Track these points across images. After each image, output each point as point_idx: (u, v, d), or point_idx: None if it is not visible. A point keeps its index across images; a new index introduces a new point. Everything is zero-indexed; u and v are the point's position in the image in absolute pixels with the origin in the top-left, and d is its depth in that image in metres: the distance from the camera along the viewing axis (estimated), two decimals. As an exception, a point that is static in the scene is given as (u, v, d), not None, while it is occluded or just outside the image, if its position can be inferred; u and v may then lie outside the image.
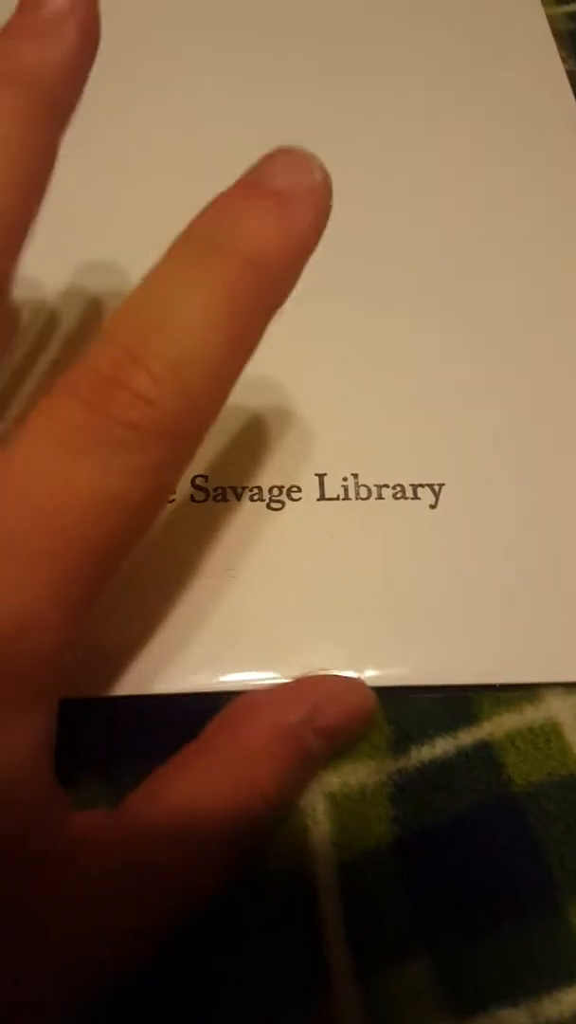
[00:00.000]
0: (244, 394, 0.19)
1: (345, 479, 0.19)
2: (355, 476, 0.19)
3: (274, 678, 0.17)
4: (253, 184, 0.13)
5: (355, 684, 0.16)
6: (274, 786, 0.14)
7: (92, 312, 0.21)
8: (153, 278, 0.12)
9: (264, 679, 0.17)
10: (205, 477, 0.19)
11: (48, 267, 0.21)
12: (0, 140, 0.13)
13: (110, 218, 0.22)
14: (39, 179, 0.13)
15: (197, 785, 0.14)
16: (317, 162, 0.13)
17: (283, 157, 0.13)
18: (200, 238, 0.12)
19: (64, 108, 0.14)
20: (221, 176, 0.15)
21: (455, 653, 0.17)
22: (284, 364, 0.19)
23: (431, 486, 0.19)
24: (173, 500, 0.18)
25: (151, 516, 0.13)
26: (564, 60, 0.26)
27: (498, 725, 0.17)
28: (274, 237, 0.12)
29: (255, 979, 0.15)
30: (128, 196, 0.23)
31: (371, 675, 0.17)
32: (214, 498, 0.18)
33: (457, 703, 0.17)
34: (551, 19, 0.27)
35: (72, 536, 0.11)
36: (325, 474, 0.19)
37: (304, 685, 0.16)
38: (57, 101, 0.13)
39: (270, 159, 0.13)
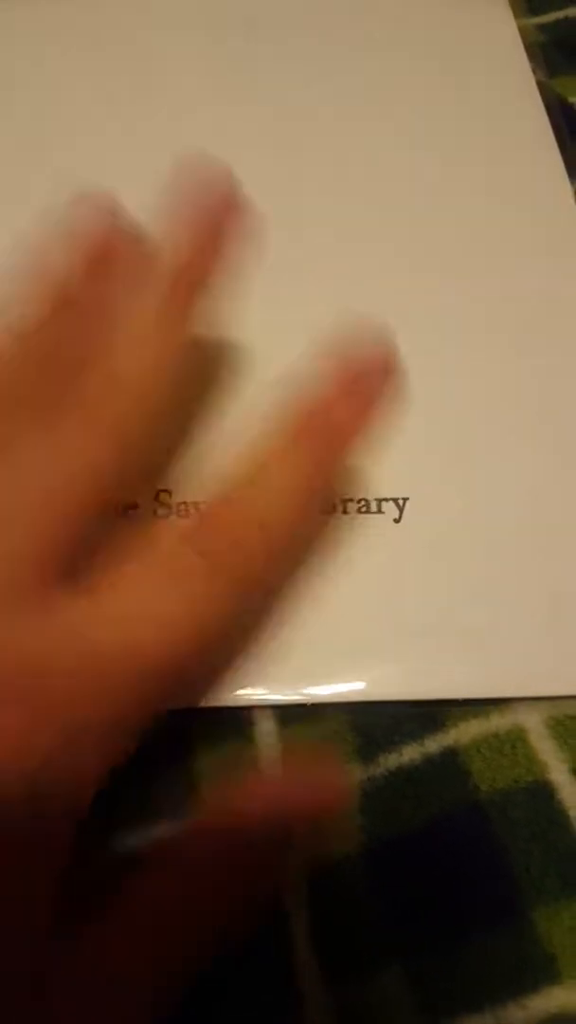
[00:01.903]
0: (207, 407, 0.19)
1: (310, 493, 0.19)
2: (320, 491, 0.19)
3: (241, 694, 0.17)
4: (339, 384, 0.16)
5: (329, 788, 0.15)
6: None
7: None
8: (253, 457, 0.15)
9: (230, 698, 0.17)
10: (169, 492, 0.19)
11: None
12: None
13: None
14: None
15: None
16: (384, 352, 0.16)
17: (363, 358, 0.16)
18: (293, 427, 0.15)
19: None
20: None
21: (419, 668, 0.17)
22: (248, 377, 0.20)
23: (395, 500, 0.19)
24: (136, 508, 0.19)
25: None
26: (534, 71, 0.26)
27: (464, 732, 0.17)
28: (353, 423, 0.16)
29: (224, 992, 0.15)
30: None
31: (334, 691, 0.17)
32: (177, 513, 0.18)
33: (424, 710, 0.17)
34: (522, 31, 0.27)
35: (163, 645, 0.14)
36: (290, 489, 0.19)
37: (273, 809, 0.15)
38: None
39: (353, 362, 0.16)
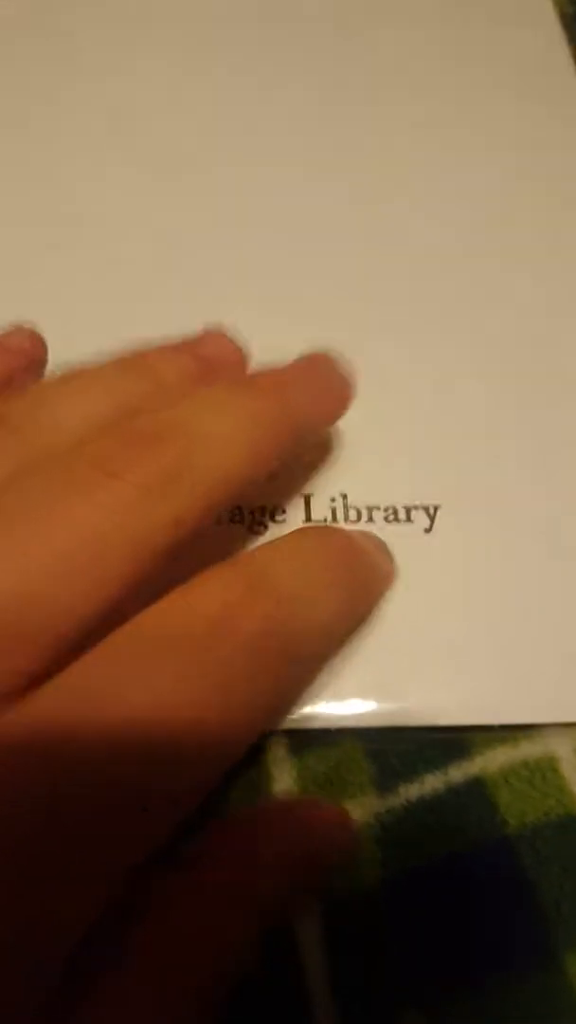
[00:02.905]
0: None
1: (333, 500, 0.18)
2: (344, 497, 0.18)
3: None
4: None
5: (335, 817, 0.15)
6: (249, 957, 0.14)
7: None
8: (283, 539, 0.15)
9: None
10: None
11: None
12: (254, 440, 0.14)
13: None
14: (259, 478, 0.15)
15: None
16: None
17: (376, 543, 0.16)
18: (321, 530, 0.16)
19: (299, 445, 0.15)
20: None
21: (449, 691, 0.16)
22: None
23: (426, 508, 0.18)
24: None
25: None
26: (569, 42, 0.25)
27: (491, 760, 0.16)
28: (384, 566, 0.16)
29: None
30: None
31: (352, 715, 0.16)
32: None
33: (447, 736, 0.16)
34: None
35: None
36: (311, 495, 0.18)
37: (279, 846, 0.14)
38: (299, 439, 0.15)
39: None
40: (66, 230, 0.22)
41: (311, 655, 0.15)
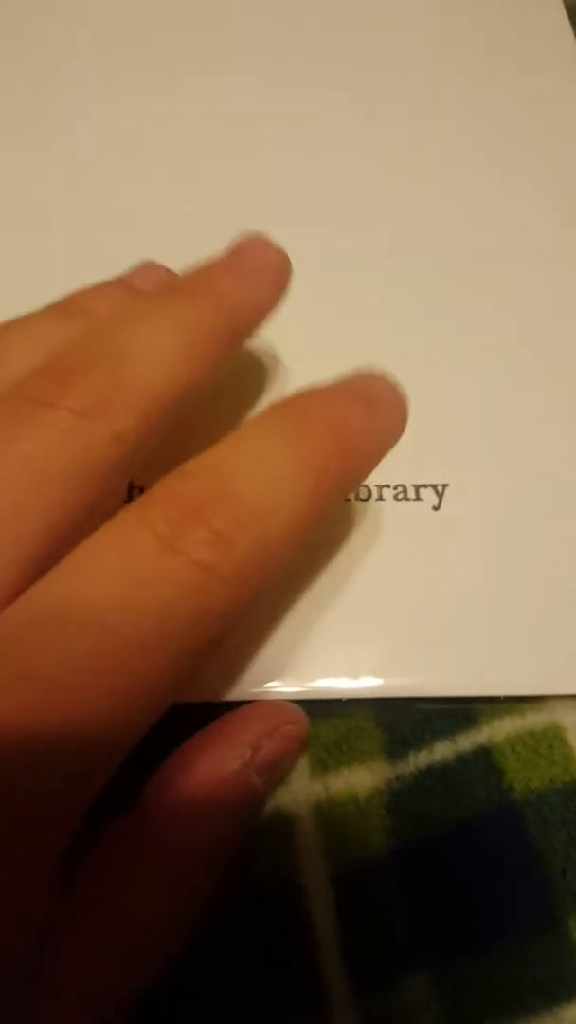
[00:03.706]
0: (235, 390, 0.19)
1: (343, 479, 0.18)
2: (354, 476, 0.18)
3: (270, 689, 0.16)
4: (349, 387, 0.14)
5: (290, 713, 0.15)
6: (226, 843, 0.14)
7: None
8: (247, 431, 0.13)
9: (258, 692, 0.16)
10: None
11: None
12: (186, 346, 0.14)
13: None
14: (203, 381, 0.14)
15: (145, 870, 0.13)
16: (396, 385, 0.14)
17: (374, 378, 0.14)
18: (296, 409, 0.13)
19: (240, 337, 0.15)
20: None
21: (459, 664, 0.17)
22: (278, 358, 0.19)
23: (434, 487, 0.18)
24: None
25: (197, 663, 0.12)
26: None
27: (498, 729, 0.16)
28: (361, 426, 0.14)
29: (248, 1004, 0.14)
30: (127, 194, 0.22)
31: (369, 686, 0.16)
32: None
33: (456, 706, 0.17)
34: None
35: (125, 673, 0.11)
36: (323, 474, 0.18)
37: (239, 725, 0.15)
38: (238, 332, 0.15)
39: (364, 377, 0.14)
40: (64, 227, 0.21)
41: (273, 567, 0.13)
